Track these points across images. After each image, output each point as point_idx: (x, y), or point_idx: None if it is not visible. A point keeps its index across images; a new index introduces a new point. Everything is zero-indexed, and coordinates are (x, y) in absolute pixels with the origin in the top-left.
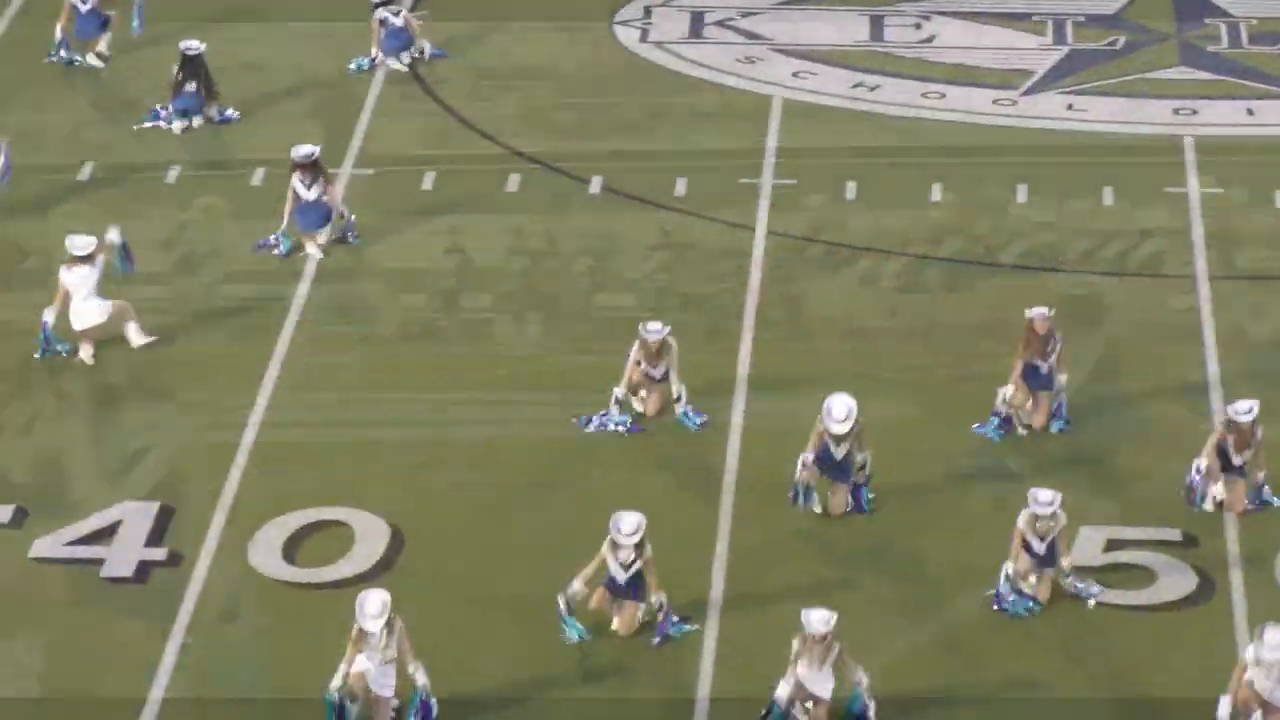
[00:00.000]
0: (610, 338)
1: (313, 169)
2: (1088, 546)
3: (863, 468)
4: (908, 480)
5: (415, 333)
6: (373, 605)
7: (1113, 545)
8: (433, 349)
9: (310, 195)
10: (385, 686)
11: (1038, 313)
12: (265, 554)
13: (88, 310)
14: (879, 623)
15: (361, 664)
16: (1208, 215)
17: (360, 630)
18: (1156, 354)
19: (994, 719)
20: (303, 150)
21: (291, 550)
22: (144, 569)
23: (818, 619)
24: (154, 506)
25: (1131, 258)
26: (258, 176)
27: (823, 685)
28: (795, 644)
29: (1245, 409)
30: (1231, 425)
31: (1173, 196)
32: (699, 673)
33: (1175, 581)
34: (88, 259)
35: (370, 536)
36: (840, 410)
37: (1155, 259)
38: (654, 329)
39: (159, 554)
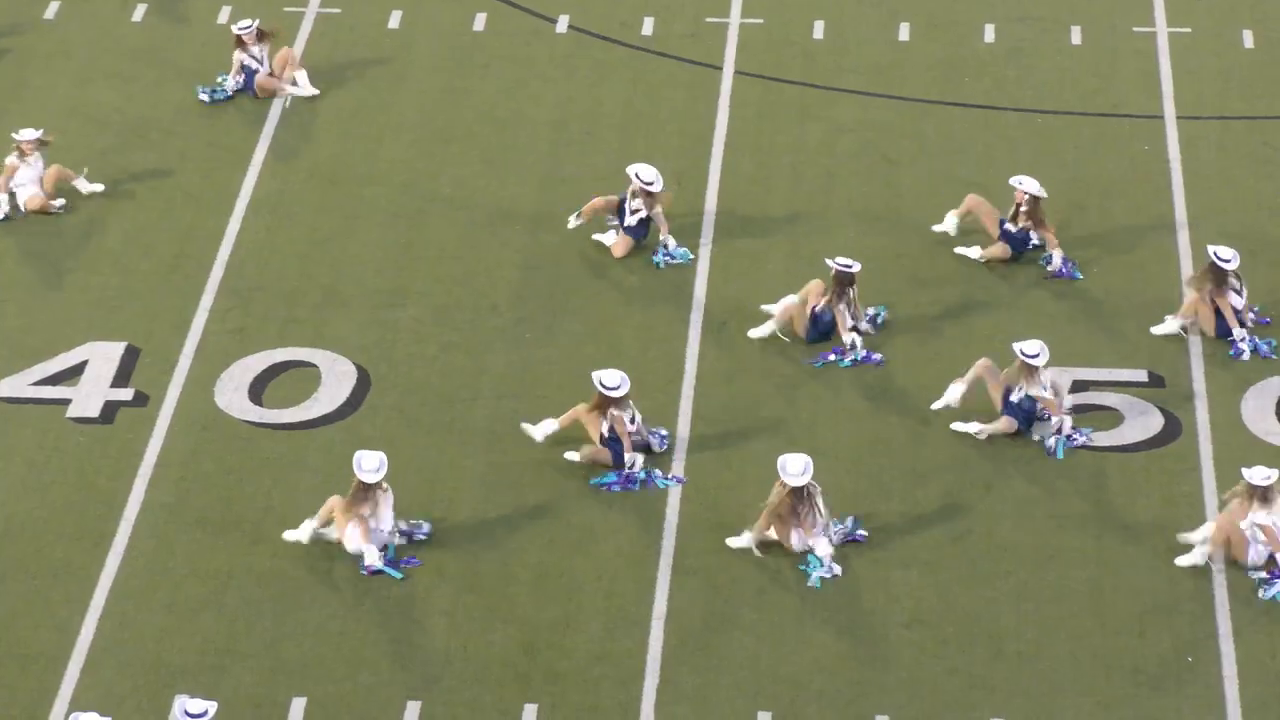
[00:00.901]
0: (585, 179)
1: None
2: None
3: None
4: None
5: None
6: (369, 460)
7: (1079, 386)
8: (395, 194)
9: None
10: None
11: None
12: (232, 395)
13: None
14: (849, 456)
15: (356, 541)
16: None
17: (359, 486)
18: (1124, 192)
19: (961, 553)
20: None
21: (258, 391)
22: (110, 409)
23: (794, 468)
24: (120, 347)
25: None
26: None
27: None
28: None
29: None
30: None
31: (1140, 36)
32: (667, 504)
33: (1142, 422)
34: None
35: (336, 377)
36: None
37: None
38: (647, 175)
39: (125, 394)
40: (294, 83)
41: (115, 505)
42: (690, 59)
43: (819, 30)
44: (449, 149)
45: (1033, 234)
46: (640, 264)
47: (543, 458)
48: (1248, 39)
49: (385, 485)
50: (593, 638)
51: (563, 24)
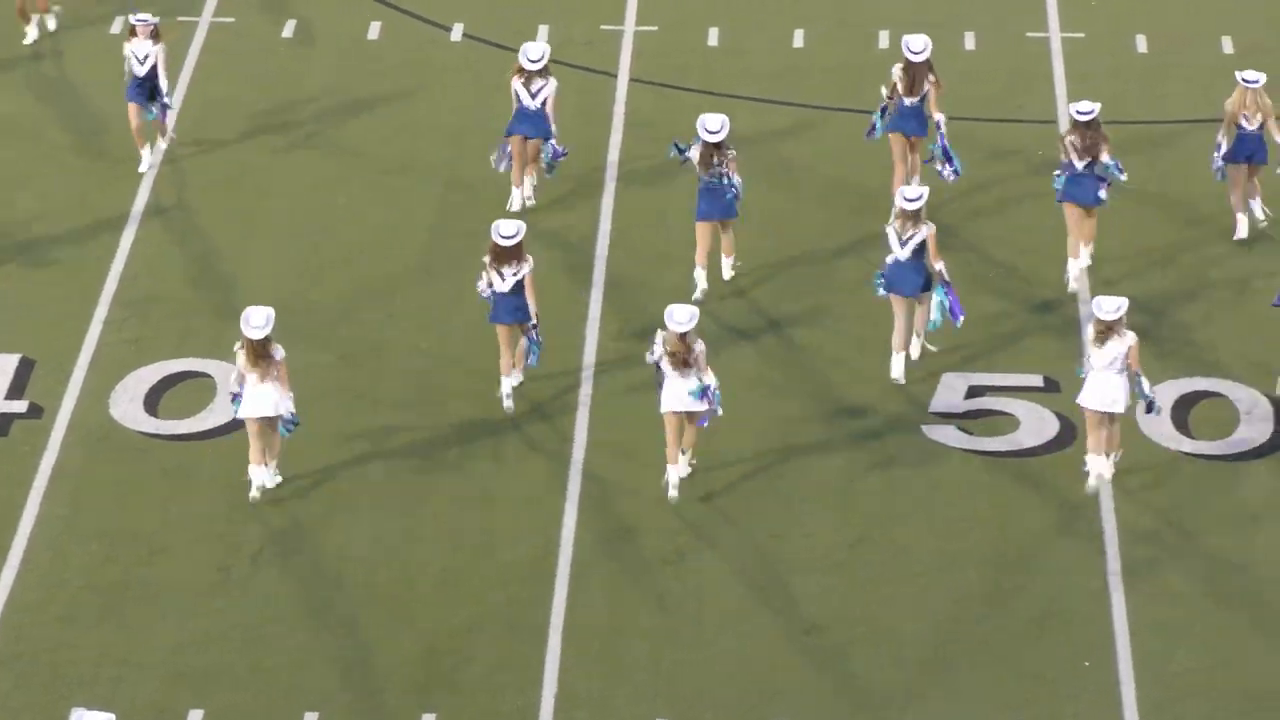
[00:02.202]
0: (486, 185)
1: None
2: (949, 393)
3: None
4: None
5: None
6: (257, 317)
7: (974, 392)
8: (293, 204)
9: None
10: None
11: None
12: (127, 406)
13: None
14: (749, 462)
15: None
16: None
17: (245, 345)
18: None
19: (860, 558)
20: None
21: (154, 402)
22: (5, 422)
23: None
24: (14, 359)
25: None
26: None
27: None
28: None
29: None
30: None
31: (1033, 41)
32: (564, 510)
33: (1038, 426)
34: None
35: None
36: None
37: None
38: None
39: (19, 406)
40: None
41: (10, 518)
42: (586, 66)
43: (714, 37)
44: (346, 158)
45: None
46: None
47: (442, 466)
48: (1140, 43)
49: (277, 347)
50: (492, 645)
51: (457, 32)
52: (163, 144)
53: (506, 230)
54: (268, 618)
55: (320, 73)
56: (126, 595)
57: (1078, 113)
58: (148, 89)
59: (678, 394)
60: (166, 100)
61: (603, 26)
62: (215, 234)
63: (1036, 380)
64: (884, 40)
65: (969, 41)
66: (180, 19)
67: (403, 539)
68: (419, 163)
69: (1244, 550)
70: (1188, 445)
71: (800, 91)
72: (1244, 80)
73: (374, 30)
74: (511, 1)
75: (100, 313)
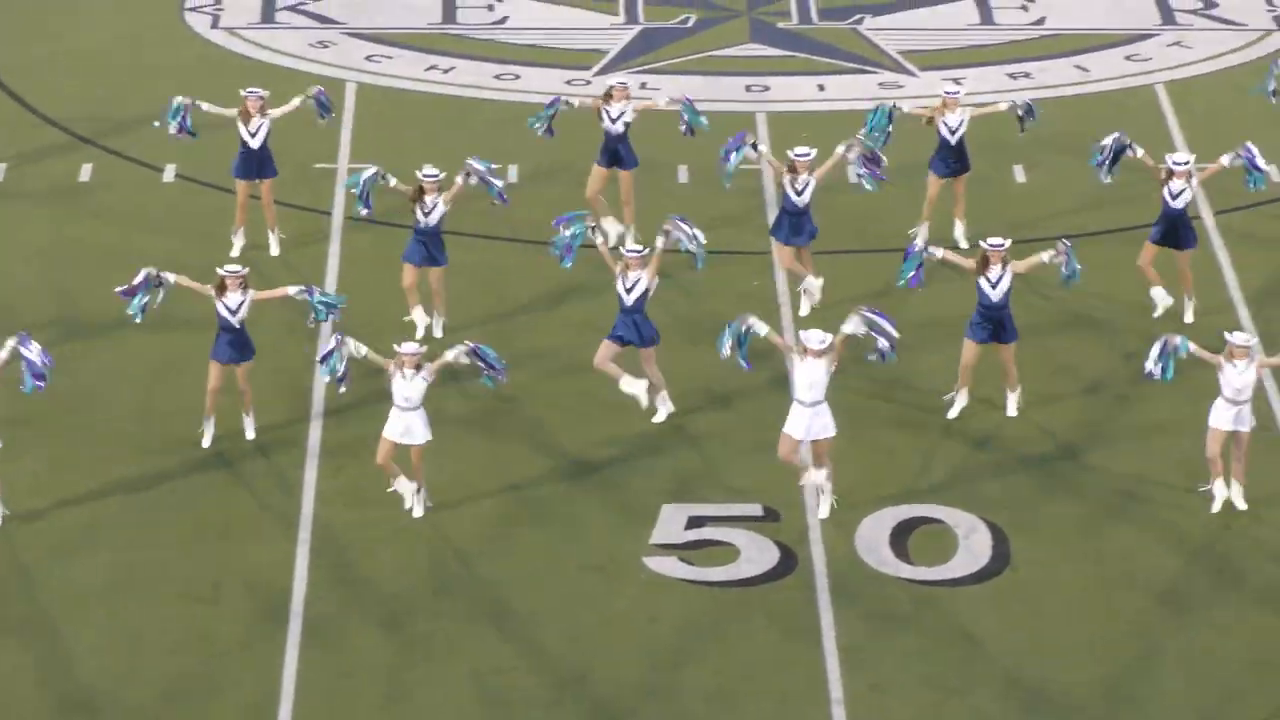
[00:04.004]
0: None
1: None
2: (670, 525)
3: None
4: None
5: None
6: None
7: (694, 522)
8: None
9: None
10: None
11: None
12: None
13: None
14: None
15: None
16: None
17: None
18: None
19: (582, 690)
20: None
21: None
22: None
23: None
24: None
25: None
26: None
27: None
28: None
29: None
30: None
31: (745, 173)
32: (295, 565)
33: (758, 556)
34: None
35: None
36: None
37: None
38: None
39: None
40: None
41: None
42: (300, 205)
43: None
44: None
45: None
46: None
47: (184, 503)
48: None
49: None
50: (230, 701)
51: (170, 173)
52: None
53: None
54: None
55: (32, 212)
56: None
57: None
58: None
59: None
60: None
61: (316, 165)
62: None
63: (756, 509)
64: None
65: None
66: None
67: (143, 585)
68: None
69: (964, 675)
70: (906, 570)
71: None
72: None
73: (85, 172)
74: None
75: None
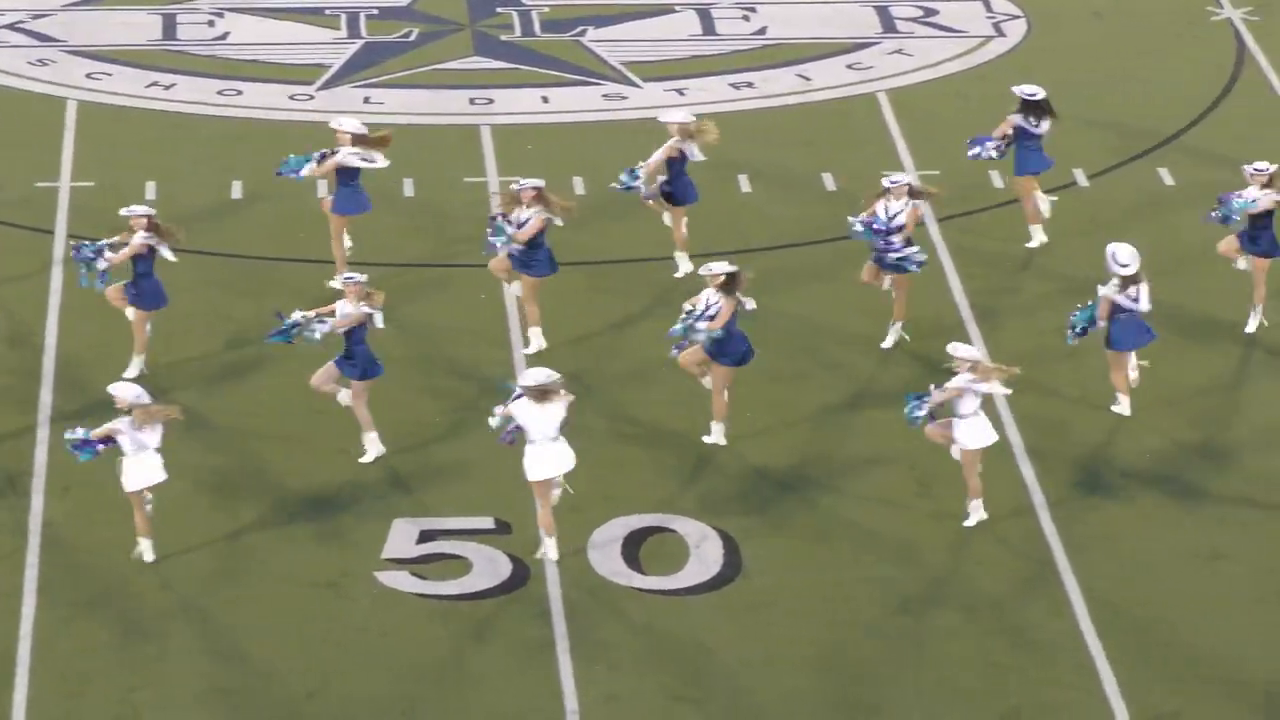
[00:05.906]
0: None
1: None
2: (401, 539)
3: None
4: None
5: None
6: None
7: (426, 536)
8: None
9: None
10: None
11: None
12: None
13: None
14: None
15: None
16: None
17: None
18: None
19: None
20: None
21: None
22: None
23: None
24: None
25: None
26: None
27: None
28: None
29: None
30: None
31: (471, 186)
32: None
33: (490, 569)
34: None
35: None
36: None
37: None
38: None
39: None
40: None
41: None
42: (22, 224)
43: (151, 190)
44: None
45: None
46: None
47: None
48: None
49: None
50: None
51: None
52: None
53: None
54: None
55: None
56: None
57: None
58: None
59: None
60: None
61: (37, 184)
62: None
63: (488, 523)
64: (321, 189)
65: (408, 188)
66: None
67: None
68: None
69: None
70: (638, 580)
71: (238, 243)
72: None
73: None
74: None
75: None
